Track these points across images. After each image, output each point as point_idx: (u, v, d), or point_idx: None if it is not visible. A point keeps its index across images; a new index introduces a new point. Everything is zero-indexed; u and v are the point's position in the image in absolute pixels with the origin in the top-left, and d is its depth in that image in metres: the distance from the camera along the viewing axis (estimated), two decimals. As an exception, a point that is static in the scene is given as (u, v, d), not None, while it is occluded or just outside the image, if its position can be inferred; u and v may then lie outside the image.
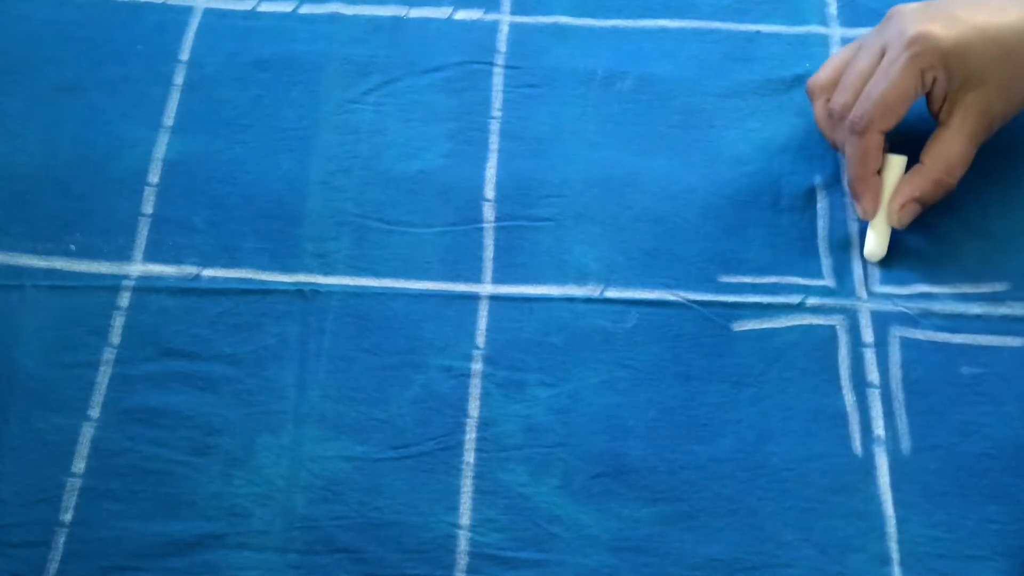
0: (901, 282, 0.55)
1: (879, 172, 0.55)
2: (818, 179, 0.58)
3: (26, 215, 0.58)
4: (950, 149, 0.54)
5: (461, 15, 0.64)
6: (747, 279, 0.55)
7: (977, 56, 0.51)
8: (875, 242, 0.55)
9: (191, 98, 0.62)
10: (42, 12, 0.65)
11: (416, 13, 0.65)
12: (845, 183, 0.56)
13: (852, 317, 0.54)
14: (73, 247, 0.57)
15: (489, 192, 0.59)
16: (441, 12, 0.65)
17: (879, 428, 0.52)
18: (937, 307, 0.54)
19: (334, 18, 0.64)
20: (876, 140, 0.53)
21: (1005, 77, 0.52)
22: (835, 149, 0.58)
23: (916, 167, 0.55)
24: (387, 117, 0.61)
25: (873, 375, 0.53)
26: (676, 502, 0.50)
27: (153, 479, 0.51)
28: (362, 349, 0.54)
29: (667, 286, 0.56)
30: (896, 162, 0.55)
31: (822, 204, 0.58)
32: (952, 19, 0.52)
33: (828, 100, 0.56)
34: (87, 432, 0.52)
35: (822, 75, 0.57)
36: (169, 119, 0.61)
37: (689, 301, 0.55)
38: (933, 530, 0.50)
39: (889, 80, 0.52)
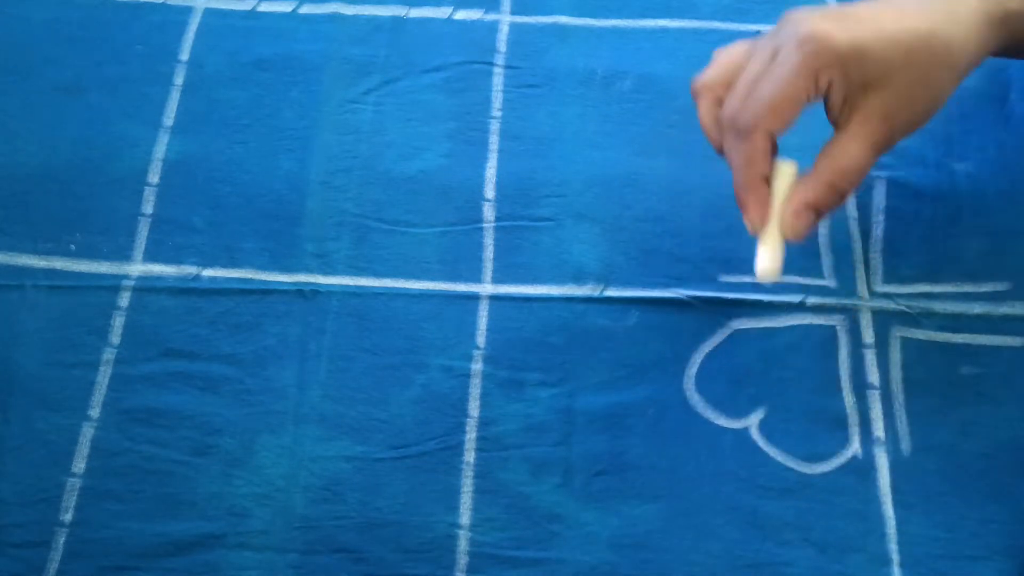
0: (902, 281, 0.55)
1: (767, 181, 0.49)
2: (818, 179, 0.58)
3: (26, 215, 0.58)
4: (845, 151, 0.48)
5: (461, 15, 0.64)
6: (747, 278, 0.55)
7: (876, 58, 0.47)
8: (768, 259, 0.49)
9: (191, 98, 0.62)
10: (42, 12, 0.64)
11: (416, 13, 0.65)
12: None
13: (852, 317, 0.54)
14: (73, 247, 0.57)
15: (489, 192, 0.59)
16: (441, 12, 0.65)
17: (879, 430, 0.52)
18: (938, 306, 0.54)
19: (334, 18, 0.64)
20: (763, 143, 0.48)
21: (907, 81, 0.48)
22: (720, 156, 0.52)
23: (808, 172, 0.49)
24: (387, 117, 0.61)
25: (873, 376, 0.53)
26: (676, 500, 0.50)
27: (153, 479, 0.51)
28: (362, 349, 0.54)
29: (667, 285, 0.56)
30: (786, 169, 0.49)
31: (822, 204, 0.58)
32: (848, 19, 0.48)
33: (713, 101, 0.51)
34: (87, 432, 0.52)
35: (709, 74, 0.51)
36: (169, 119, 0.61)
37: (689, 299, 0.55)
38: (933, 530, 0.50)
39: (779, 80, 0.47)
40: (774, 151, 0.49)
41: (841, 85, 0.47)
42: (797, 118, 0.48)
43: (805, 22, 0.48)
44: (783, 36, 0.48)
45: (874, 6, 0.49)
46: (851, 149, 0.49)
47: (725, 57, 0.51)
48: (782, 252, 0.49)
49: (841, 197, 0.49)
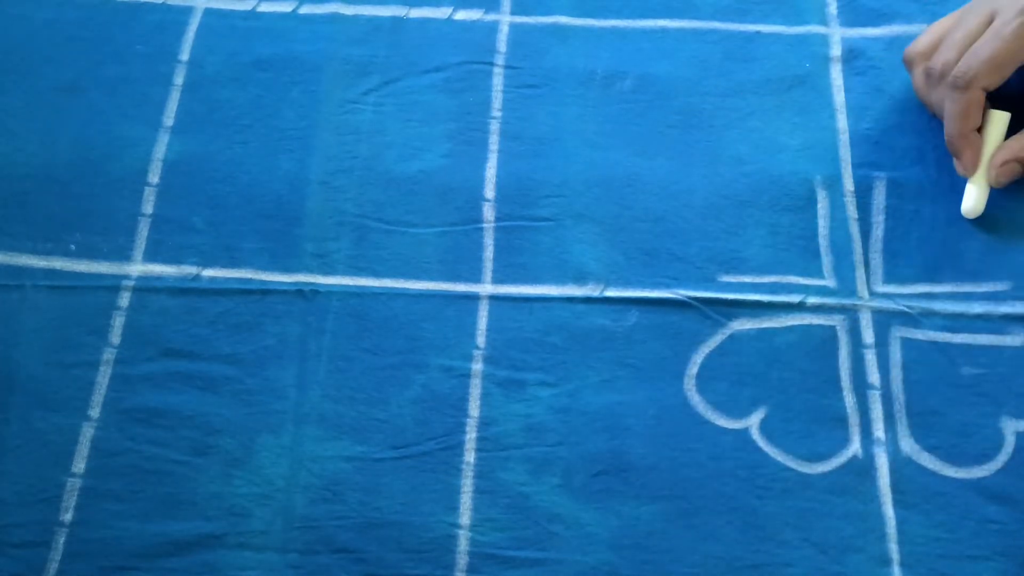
0: (902, 281, 0.55)
1: (979, 130, 0.55)
2: (818, 179, 0.58)
3: (26, 215, 0.58)
4: None
5: (461, 15, 0.64)
6: (747, 278, 0.55)
7: None
8: (973, 199, 0.55)
9: (191, 98, 0.62)
10: (42, 12, 0.65)
11: (416, 13, 0.65)
12: (945, 140, 0.56)
13: (852, 317, 0.54)
14: (73, 247, 0.57)
15: (489, 192, 0.59)
16: (441, 12, 0.65)
17: (879, 430, 0.52)
18: (938, 307, 0.54)
19: (334, 18, 0.64)
20: (978, 96, 0.53)
21: None
22: (931, 114, 0.58)
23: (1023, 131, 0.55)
24: (387, 117, 0.61)
25: (874, 377, 0.53)
26: (676, 500, 0.50)
27: (153, 479, 0.51)
28: (362, 349, 0.54)
29: (667, 285, 0.56)
30: (998, 118, 0.55)
31: (822, 204, 0.58)
32: None
33: (927, 66, 0.56)
34: (87, 432, 0.52)
35: (922, 42, 0.58)
36: (169, 119, 0.61)
37: (689, 299, 0.55)
38: (933, 530, 0.50)
39: (1001, 39, 0.52)
40: (986, 102, 0.54)
41: None
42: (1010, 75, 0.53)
43: None
44: (1001, 1, 0.53)
45: None
46: None
47: (937, 29, 0.57)
48: (986, 195, 0.55)
49: None
